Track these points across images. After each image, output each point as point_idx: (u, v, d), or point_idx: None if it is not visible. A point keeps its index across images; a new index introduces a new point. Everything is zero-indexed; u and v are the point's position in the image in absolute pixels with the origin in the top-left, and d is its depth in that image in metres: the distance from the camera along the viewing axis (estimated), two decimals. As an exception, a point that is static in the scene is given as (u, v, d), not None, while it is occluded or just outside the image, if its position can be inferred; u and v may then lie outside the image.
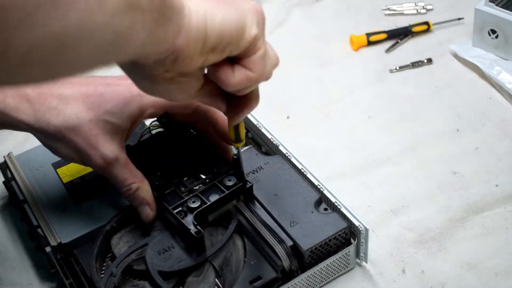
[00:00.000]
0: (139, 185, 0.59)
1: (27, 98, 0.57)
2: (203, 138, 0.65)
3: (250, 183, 0.62)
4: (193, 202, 0.60)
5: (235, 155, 0.60)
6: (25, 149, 0.73)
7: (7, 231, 0.71)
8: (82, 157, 0.58)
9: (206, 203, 0.60)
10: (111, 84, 0.59)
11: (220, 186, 0.61)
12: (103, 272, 0.60)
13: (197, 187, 0.61)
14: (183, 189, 0.61)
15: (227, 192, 0.60)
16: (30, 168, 0.69)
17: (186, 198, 0.60)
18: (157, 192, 0.61)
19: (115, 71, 0.49)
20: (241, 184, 0.61)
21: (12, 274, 0.67)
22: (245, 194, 0.62)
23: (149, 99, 0.59)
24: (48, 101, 0.57)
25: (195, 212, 0.59)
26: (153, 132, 0.68)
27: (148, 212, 0.60)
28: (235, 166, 0.61)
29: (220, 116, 0.62)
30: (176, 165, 0.64)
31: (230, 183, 0.61)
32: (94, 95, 0.58)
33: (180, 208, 0.59)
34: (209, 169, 0.62)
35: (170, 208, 0.59)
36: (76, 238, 0.62)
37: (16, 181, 0.69)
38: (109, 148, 0.57)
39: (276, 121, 0.82)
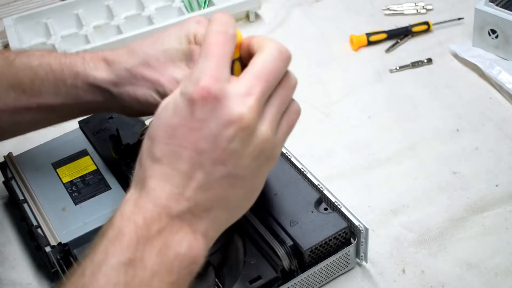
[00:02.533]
0: None
1: (103, 58, 0.59)
2: None
3: None
4: None
5: None
6: (25, 149, 0.73)
7: (7, 231, 0.71)
8: (157, 88, 0.57)
9: None
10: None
11: None
12: (103, 272, 0.60)
13: None
14: None
15: None
16: (30, 168, 0.69)
17: None
18: None
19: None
20: None
21: (12, 274, 0.67)
22: None
23: (204, 24, 0.58)
24: (119, 54, 0.59)
25: None
26: None
27: None
28: None
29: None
30: None
31: None
32: (159, 33, 0.59)
33: None
34: None
35: None
36: (76, 238, 0.62)
37: (16, 181, 0.69)
38: (179, 71, 0.57)
39: (276, 121, 0.82)
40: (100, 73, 0.59)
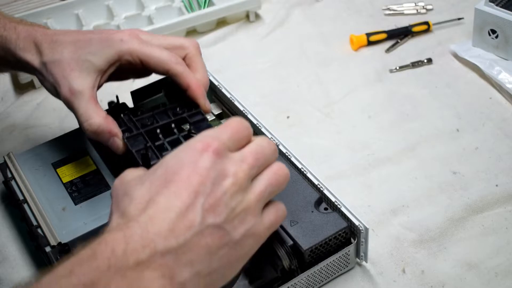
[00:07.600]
0: (101, 121, 0.61)
1: (34, 41, 0.64)
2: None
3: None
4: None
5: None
6: (25, 149, 0.73)
7: (7, 231, 0.71)
8: (55, 88, 0.62)
9: None
10: (103, 32, 0.64)
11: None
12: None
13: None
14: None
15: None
16: (30, 168, 0.69)
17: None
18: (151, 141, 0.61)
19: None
20: None
21: (12, 274, 0.67)
22: None
23: (128, 47, 0.63)
24: (46, 43, 0.64)
25: None
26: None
27: (119, 142, 0.62)
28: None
29: (193, 81, 0.64)
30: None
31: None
32: (84, 39, 0.63)
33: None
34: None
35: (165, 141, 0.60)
36: (76, 238, 0.62)
37: (16, 181, 0.69)
38: (79, 82, 0.61)
39: (276, 121, 0.82)
40: (27, 56, 0.64)
